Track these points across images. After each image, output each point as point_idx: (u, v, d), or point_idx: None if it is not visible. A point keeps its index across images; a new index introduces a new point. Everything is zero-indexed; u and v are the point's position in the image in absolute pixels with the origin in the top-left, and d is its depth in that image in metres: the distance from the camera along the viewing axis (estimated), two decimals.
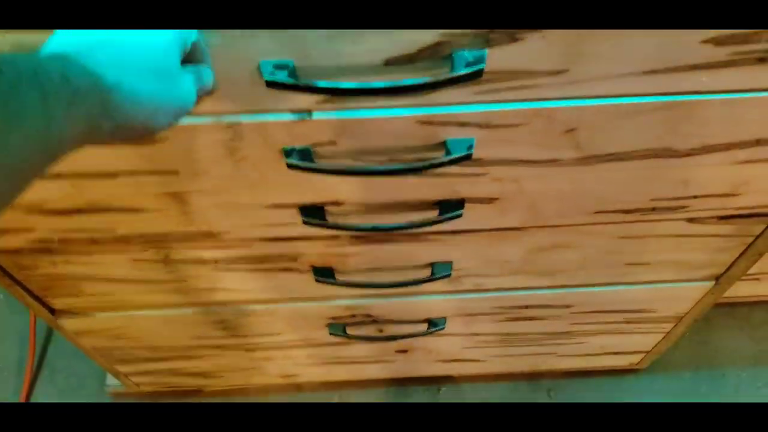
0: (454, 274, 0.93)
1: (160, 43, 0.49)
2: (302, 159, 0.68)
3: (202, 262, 0.87)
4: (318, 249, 0.86)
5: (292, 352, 1.18)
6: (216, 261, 0.87)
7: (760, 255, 0.93)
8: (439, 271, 0.91)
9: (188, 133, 0.67)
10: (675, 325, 1.16)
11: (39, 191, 0.73)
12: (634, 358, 1.31)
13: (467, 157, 0.69)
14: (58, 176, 0.71)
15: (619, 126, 0.69)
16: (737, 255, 0.94)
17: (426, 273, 0.92)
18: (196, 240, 0.82)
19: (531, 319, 1.10)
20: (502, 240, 0.86)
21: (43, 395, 1.35)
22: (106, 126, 0.44)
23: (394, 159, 0.70)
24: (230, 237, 0.82)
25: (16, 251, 0.82)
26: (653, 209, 0.82)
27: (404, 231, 0.80)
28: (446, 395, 1.34)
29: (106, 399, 1.33)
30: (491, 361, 1.27)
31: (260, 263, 0.88)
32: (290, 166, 0.69)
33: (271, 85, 0.59)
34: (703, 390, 1.36)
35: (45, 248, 0.82)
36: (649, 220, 0.84)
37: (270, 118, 0.65)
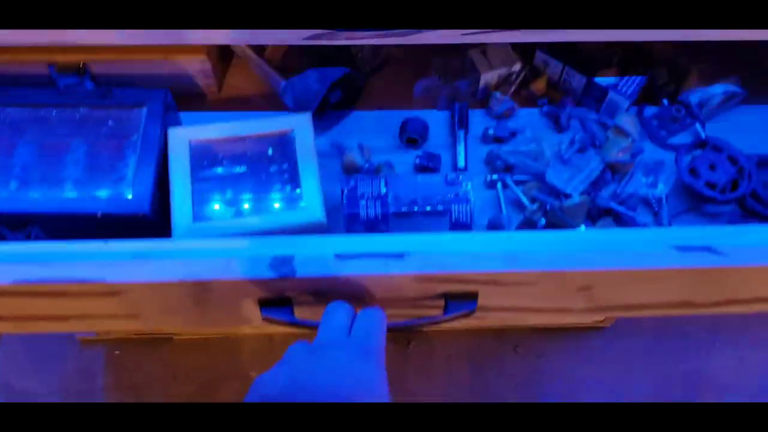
0: None
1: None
2: (280, 312, 0.62)
3: None
4: None
5: None
6: None
7: None
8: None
9: (149, 288, 0.59)
10: None
11: None
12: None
13: (468, 314, 0.63)
14: (2, 318, 0.65)
15: (637, 288, 0.63)
16: None
17: None
18: None
19: None
20: None
21: (9, 344, 1.34)
22: None
23: (386, 307, 0.64)
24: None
25: None
26: None
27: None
28: (416, 349, 1.35)
29: (74, 346, 1.32)
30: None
31: None
32: (266, 319, 0.62)
33: None
34: (665, 348, 1.40)
35: None
36: None
37: (247, 275, 0.58)
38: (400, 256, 0.60)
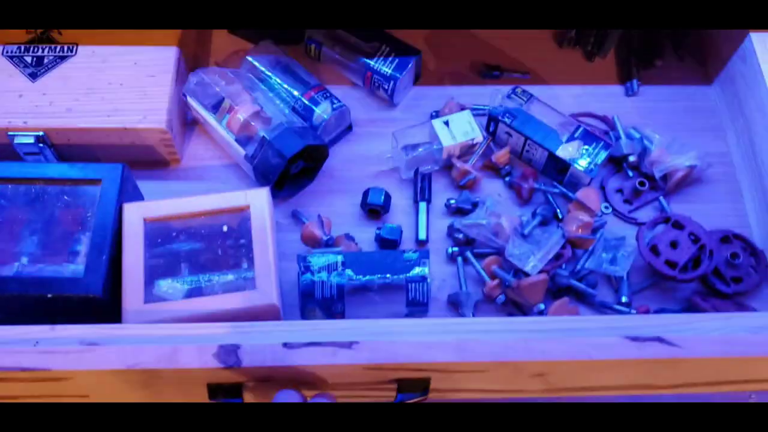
0: None
1: None
2: (229, 395, 0.61)
3: None
4: None
5: None
6: None
7: None
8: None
9: (95, 375, 0.59)
10: None
11: None
12: None
13: (422, 396, 0.62)
14: None
15: (593, 374, 0.62)
16: None
17: None
18: None
19: None
20: None
21: None
22: None
23: (337, 390, 0.63)
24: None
25: None
26: None
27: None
28: None
29: None
30: None
31: None
32: (214, 403, 0.61)
33: None
34: None
35: None
36: None
37: (193, 364, 0.57)
38: (348, 345, 0.59)
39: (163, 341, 0.59)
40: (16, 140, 0.76)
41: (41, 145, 0.76)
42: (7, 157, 0.75)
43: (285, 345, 0.59)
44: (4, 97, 0.78)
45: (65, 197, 0.71)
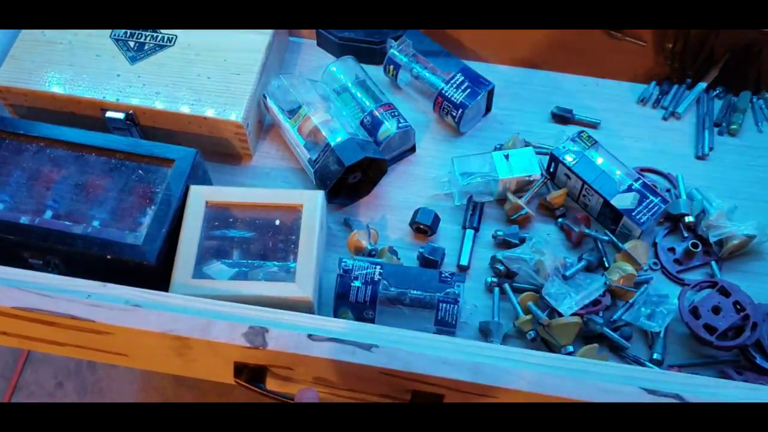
0: None
1: None
2: (253, 380, 0.64)
3: None
4: None
5: None
6: None
7: None
8: None
9: (134, 334, 0.63)
10: None
11: None
12: None
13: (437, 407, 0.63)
14: (4, 333, 0.70)
15: None
16: None
17: None
18: None
19: None
20: None
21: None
22: None
23: (354, 390, 0.66)
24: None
25: None
26: None
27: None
28: None
29: None
30: None
31: None
32: (238, 383, 0.65)
33: None
34: None
35: None
36: None
37: (222, 339, 0.61)
38: (368, 347, 0.61)
39: (200, 314, 0.63)
40: (108, 114, 0.83)
41: (129, 122, 0.83)
42: (96, 129, 0.82)
43: (309, 336, 0.62)
44: (104, 74, 0.85)
45: (140, 172, 0.77)
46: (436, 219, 0.82)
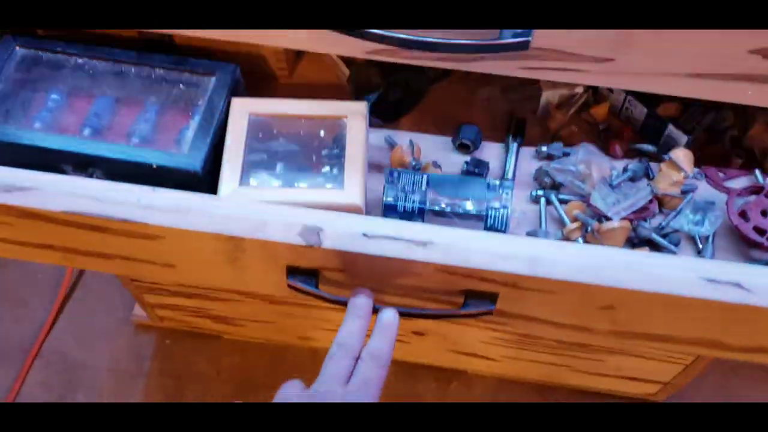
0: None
1: None
2: (306, 282, 0.64)
3: None
4: None
5: (311, 312, 1.19)
6: None
7: None
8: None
9: (185, 238, 0.63)
10: (696, 359, 1.11)
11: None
12: (651, 388, 1.28)
13: (487, 313, 0.63)
14: (50, 247, 0.70)
15: (662, 316, 0.61)
16: None
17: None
18: None
19: None
20: None
21: (73, 312, 1.41)
22: None
23: (408, 295, 0.65)
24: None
25: None
26: None
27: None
28: (456, 390, 1.34)
29: (130, 327, 1.39)
30: (504, 362, 1.25)
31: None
32: (291, 287, 0.64)
33: None
34: None
35: None
36: None
37: (277, 238, 0.61)
38: (423, 244, 0.61)
39: (252, 215, 0.63)
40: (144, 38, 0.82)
41: (166, 44, 0.82)
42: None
43: (364, 234, 0.62)
44: None
45: (181, 86, 0.76)
46: (479, 134, 0.81)
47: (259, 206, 0.63)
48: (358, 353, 0.59)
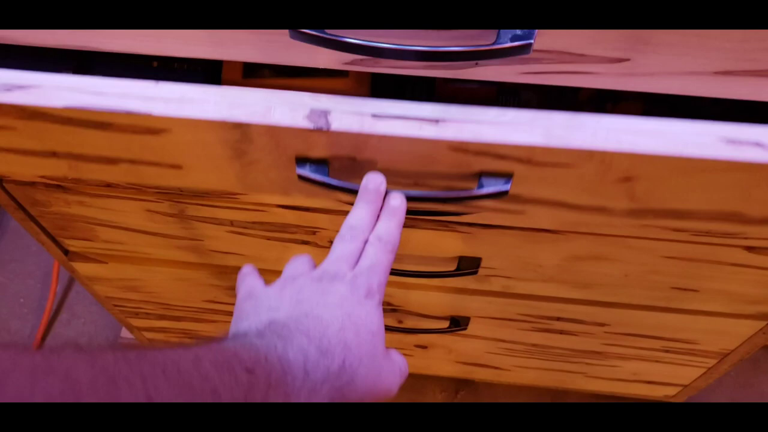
0: (481, 272, 0.85)
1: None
2: (316, 172, 0.62)
3: (218, 222, 0.82)
4: (338, 225, 0.80)
5: None
6: (232, 222, 0.82)
7: None
8: (466, 266, 0.84)
9: (191, 128, 0.61)
10: (718, 362, 1.07)
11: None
12: (669, 390, 1.23)
13: (502, 194, 0.61)
14: (54, 154, 0.68)
15: (682, 186, 0.60)
16: None
17: (452, 266, 0.85)
18: (212, 198, 0.77)
19: (561, 332, 1.02)
20: (536, 242, 0.77)
21: (59, 337, 1.36)
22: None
23: (419, 183, 0.64)
24: (247, 199, 0.76)
25: (30, 184, 0.79)
26: (707, 232, 0.70)
27: (432, 217, 0.73)
28: (463, 399, 1.28)
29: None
30: (515, 371, 1.20)
31: (277, 232, 0.83)
32: (301, 178, 0.62)
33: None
34: None
35: (58, 185, 0.78)
36: (701, 242, 0.72)
37: (284, 122, 0.59)
38: (435, 121, 0.60)
39: (258, 101, 0.61)
40: None
41: None
42: None
43: (374, 115, 0.60)
44: None
45: None
46: None
47: (265, 93, 0.62)
48: (367, 237, 0.58)
